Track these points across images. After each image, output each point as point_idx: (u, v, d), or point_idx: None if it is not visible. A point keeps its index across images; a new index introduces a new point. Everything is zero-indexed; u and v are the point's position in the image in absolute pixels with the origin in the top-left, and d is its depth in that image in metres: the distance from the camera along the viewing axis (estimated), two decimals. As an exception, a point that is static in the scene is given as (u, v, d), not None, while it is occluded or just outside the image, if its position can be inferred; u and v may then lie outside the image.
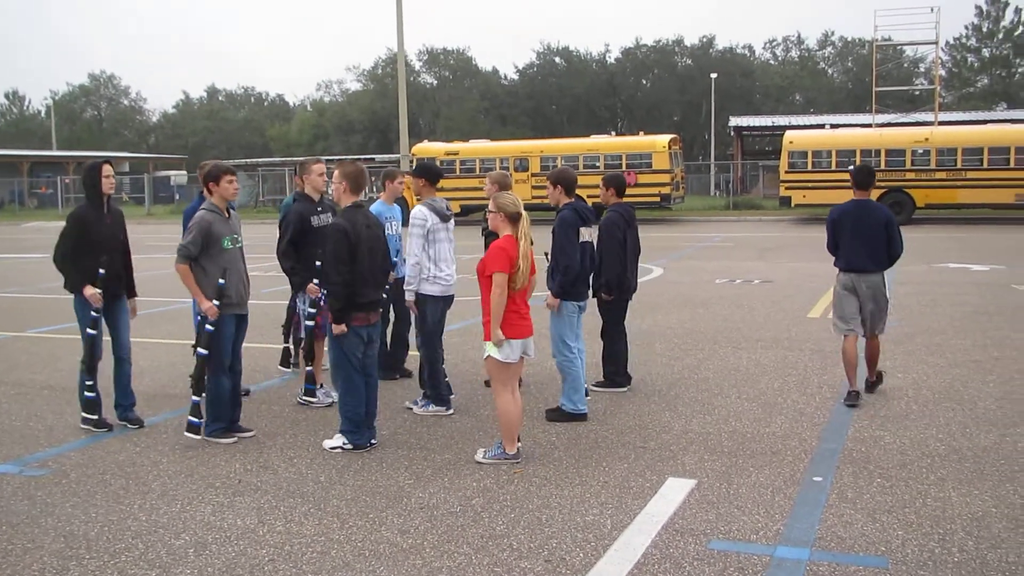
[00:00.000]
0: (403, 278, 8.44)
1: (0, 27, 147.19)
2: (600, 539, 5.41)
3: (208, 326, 7.41)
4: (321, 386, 8.70)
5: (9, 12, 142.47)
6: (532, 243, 6.91)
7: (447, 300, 8.33)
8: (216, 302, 7.37)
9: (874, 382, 8.69)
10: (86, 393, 7.89)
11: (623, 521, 5.66)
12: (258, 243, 16.88)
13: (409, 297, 8.18)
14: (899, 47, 58.08)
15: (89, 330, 7.77)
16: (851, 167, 9.43)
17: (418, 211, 8.18)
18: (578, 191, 8.41)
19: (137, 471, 6.81)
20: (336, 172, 7.37)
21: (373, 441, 7.28)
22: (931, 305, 13.70)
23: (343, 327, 7.03)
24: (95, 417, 7.90)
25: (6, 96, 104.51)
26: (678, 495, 6.08)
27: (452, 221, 8.44)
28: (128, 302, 8.10)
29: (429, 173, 8.50)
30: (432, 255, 8.12)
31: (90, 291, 7.62)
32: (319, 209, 8.66)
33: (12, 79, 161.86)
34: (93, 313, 7.75)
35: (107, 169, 7.76)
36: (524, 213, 6.83)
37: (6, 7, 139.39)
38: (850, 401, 8.17)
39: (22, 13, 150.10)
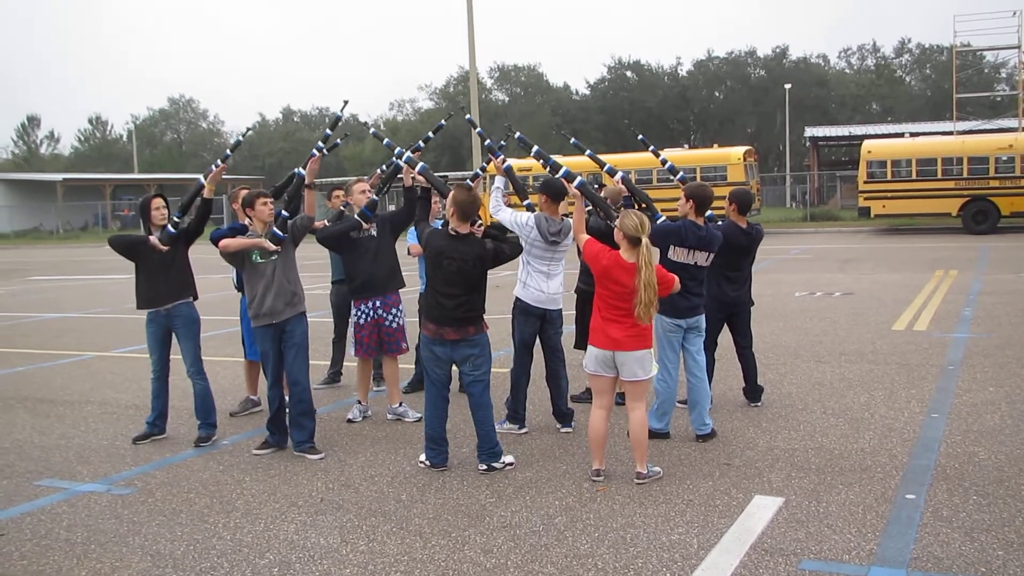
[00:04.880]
0: None
1: (83, 55, 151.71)
2: (687, 559, 5.30)
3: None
4: (401, 404, 8.73)
5: (92, 41, 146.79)
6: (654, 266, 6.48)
7: (549, 315, 8.03)
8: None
9: None
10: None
11: (710, 540, 5.54)
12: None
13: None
14: (979, 52, 56.86)
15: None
16: None
17: (531, 216, 7.85)
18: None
19: (220, 490, 6.86)
20: (449, 196, 7.13)
21: (496, 464, 7.09)
22: (1022, 316, 13.30)
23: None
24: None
25: (90, 121, 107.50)
26: (766, 513, 5.94)
27: (566, 241, 7.93)
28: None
29: (551, 190, 7.82)
30: (530, 267, 7.90)
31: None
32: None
33: (95, 104, 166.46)
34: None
35: (157, 202, 8.13)
36: (646, 239, 6.41)
37: (89, 37, 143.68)
38: None
39: (105, 41, 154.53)
